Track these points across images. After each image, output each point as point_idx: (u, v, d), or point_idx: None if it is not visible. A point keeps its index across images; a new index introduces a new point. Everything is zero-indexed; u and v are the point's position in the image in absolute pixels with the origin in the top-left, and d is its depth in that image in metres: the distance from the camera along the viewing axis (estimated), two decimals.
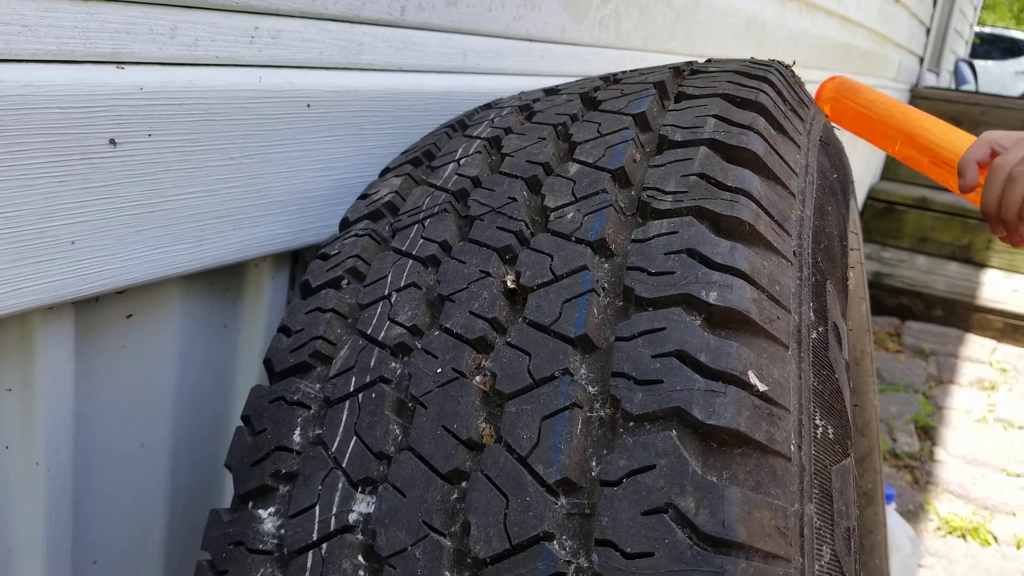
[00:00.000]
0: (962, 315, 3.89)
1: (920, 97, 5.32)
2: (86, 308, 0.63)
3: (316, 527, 0.46)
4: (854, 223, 0.93)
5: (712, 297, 0.45)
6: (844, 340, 0.57)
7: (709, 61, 0.75)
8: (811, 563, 0.40)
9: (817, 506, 0.43)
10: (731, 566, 0.37)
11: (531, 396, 0.45)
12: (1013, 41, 10.34)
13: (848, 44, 3.12)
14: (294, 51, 0.71)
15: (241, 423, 0.57)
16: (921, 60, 5.55)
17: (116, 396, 0.68)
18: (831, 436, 0.48)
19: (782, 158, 0.58)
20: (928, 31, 5.52)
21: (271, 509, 0.50)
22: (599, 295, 0.49)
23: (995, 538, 2.27)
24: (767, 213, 0.52)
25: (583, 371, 0.46)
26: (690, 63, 0.74)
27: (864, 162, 4.16)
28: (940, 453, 2.70)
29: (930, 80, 6.10)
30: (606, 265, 0.51)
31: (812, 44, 2.58)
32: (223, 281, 0.76)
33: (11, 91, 0.51)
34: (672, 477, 0.39)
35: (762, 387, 0.42)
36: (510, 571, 0.40)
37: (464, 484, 0.44)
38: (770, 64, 0.72)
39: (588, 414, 0.44)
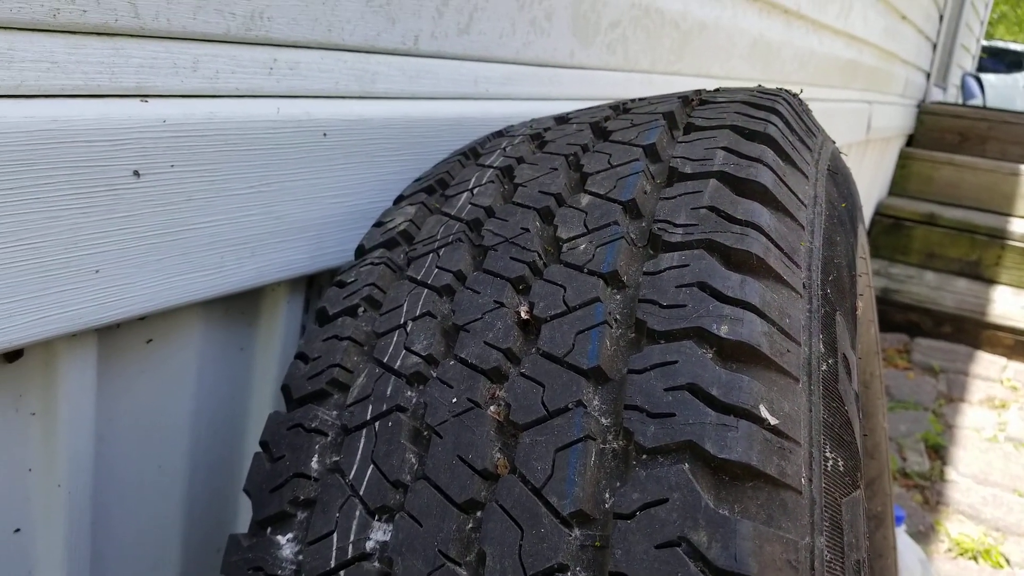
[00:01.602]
0: (972, 332, 3.88)
1: (927, 112, 5.33)
2: (108, 334, 0.65)
3: (334, 554, 0.47)
4: (862, 248, 0.94)
5: (723, 331, 0.46)
6: (854, 371, 0.58)
7: (718, 90, 0.76)
8: None
9: (828, 539, 0.44)
10: None
11: (545, 427, 0.46)
12: (1019, 55, 10.35)
13: (855, 62, 3.14)
14: (311, 81, 0.72)
15: (259, 448, 0.58)
16: (928, 75, 5.57)
17: (135, 420, 0.70)
18: (841, 468, 0.49)
19: (791, 190, 0.59)
20: (935, 46, 5.53)
21: (289, 535, 0.51)
22: (611, 327, 0.50)
23: (1007, 560, 2.25)
24: (777, 246, 0.53)
25: (596, 403, 0.47)
26: (698, 92, 0.75)
27: (871, 178, 4.16)
28: (950, 473, 2.69)
29: (937, 95, 6.12)
30: (618, 297, 0.52)
31: (819, 62, 2.60)
32: (240, 306, 0.78)
33: (40, 126, 0.52)
34: (685, 511, 0.40)
35: (773, 421, 0.43)
36: None
37: (479, 514, 0.45)
38: (778, 93, 0.73)
39: (601, 446, 0.45)
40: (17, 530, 0.62)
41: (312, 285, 0.84)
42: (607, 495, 0.43)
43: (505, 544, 0.42)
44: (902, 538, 1.84)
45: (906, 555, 1.79)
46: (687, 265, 0.51)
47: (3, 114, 0.51)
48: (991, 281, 4.12)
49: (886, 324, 3.98)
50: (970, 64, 8.32)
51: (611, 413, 0.46)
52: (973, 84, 7.40)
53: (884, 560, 1.21)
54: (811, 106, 0.83)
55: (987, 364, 3.68)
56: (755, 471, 0.41)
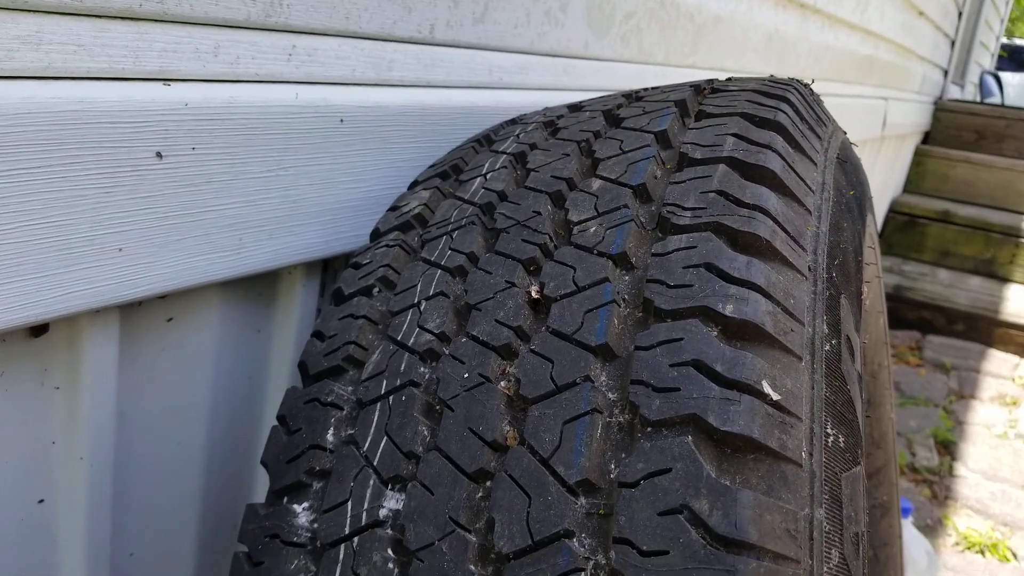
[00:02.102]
0: (984, 330, 3.86)
1: (944, 110, 5.30)
2: (130, 312, 0.67)
3: (348, 521, 0.49)
4: (871, 238, 0.95)
5: (728, 310, 0.47)
6: (857, 353, 0.59)
7: (729, 79, 0.77)
8: (820, 565, 0.42)
9: (827, 511, 0.45)
10: (742, 566, 0.39)
11: (553, 401, 0.48)
12: None
13: (871, 57, 3.13)
14: (329, 68, 0.74)
15: (275, 422, 0.60)
16: (945, 73, 5.53)
17: (155, 396, 0.72)
18: (842, 445, 0.50)
19: (799, 176, 0.60)
20: (953, 43, 5.49)
21: (305, 504, 0.53)
22: (619, 306, 0.51)
23: (1014, 555, 2.25)
24: (783, 229, 0.54)
25: (603, 378, 0.48)
26: (710, 81, 0.76)
27: (886, 175, 4.14)
28: (959, 468, 2.69)
29: (955, 93, 6.07)
30: (627, 277, 0.53)
31: (834, 57, 2.59)
32: (257, 288, 0.79)
33: (67, 107, 0.54)
34: (687, 480, 0.41)
35: (775, 396, 0.44)
36: (532, 566, 0.42)
37: (489, 483, 0.47)
38: (789, 83, 0.74)
39: (607, 419, 0.46)
40: (41, 501, 0.65)
41: (327, 269, 0.86)
42: (612, 465, 0.44)
43: (513, 511, 0.44)
44: (909, 530, 1.85)
45: (913, 547, 1.79)
46: (695, 247, 0.52)
47: (32, 95, 0.52)
48: (1005, 279, 4.10)
49: (899, 321, 3.97)
50: (989, 62, 8.25)
51: (618, 388, 0.47)
52: (991, 82, 7.34)
53: (890, 548, 1.22)
54: (826, 101, 0.84)
55: (999, 362, 3.66)
56: (757, 444, 0.42)
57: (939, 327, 3.95)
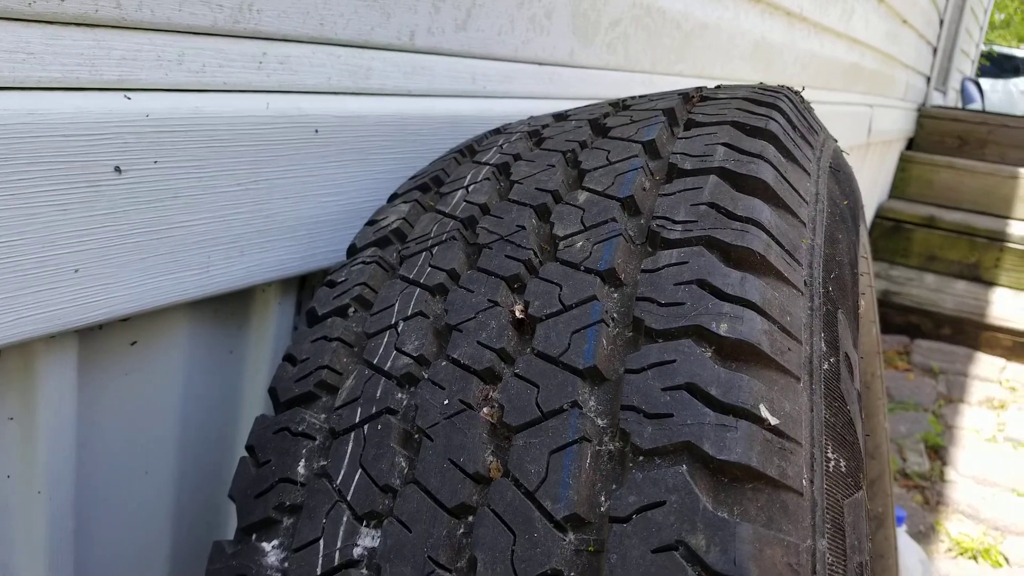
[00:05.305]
0: (971, 333, 3.87)
1: (927, 116, 5.32)
2: (89, 336, 0.63)
3: (320, 561, 0.46)
4: (864, 248, 0.92)
5: (723, 329, 0.45)
6: (855, 370, 0.56)
7: (719, 87, 0.75)
8: None
9: (830, 542, 0.42)
10: None
11: (539, 429, 0.45)
12: (1019, 60, 10.36)
13: (856, 65, 3.13)
14: (302, 76, 0.71)
15: (245, 453, 0.56)
16: (928, 79, 5.56)
17: (120, 424, 0.68)
18: (843, 469, 0.47)
19: (792, 186, 0.58)
20: (935, 51, 5.53)
21: (275, 542, 0.50)
22: (608, 326, 0.48)
23: (1007, 559, 2.24)
24: (778, 243, 0.51)
25: (592, 403, 0.45)
26: (699, 89, 0.74)
27: (872, 180, 4.15)
28: (950, 473, 2.68)
29: (937, 99, 6.11)
30: (615, 295, 0.50)
31: (820, 65, 2.58)
32: (229, 307, 0.76)
33: (16, 119, 0.51)
34: (683, 514, 0.38)
35: (774, 421, 0.42)
36: None
37: (471, 519, 0.44)
38: (779, 90, 0.72)
39: (597, 448, 0.43)
40: None
41: (304, 286, 0.83)
42: (602, 498, 0.41)
43: (497, 549, 0.41)
44: (902, 538, 1.83)
45: (907, 555, 1.77)
46: (686, 262, 0.49)
47: None
48: (990, 283, 4.11)
49: (886, 326, 3.97)
50: (970, 69, 8.32)
51: (607, 414, 0.44)
52: (972, 88, 7.41)
53: (885, 560, 1.20)
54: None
55: (986, 365, 3.67)
56: (755, 472, 0.40)
57: (926, 331, 3.95)
